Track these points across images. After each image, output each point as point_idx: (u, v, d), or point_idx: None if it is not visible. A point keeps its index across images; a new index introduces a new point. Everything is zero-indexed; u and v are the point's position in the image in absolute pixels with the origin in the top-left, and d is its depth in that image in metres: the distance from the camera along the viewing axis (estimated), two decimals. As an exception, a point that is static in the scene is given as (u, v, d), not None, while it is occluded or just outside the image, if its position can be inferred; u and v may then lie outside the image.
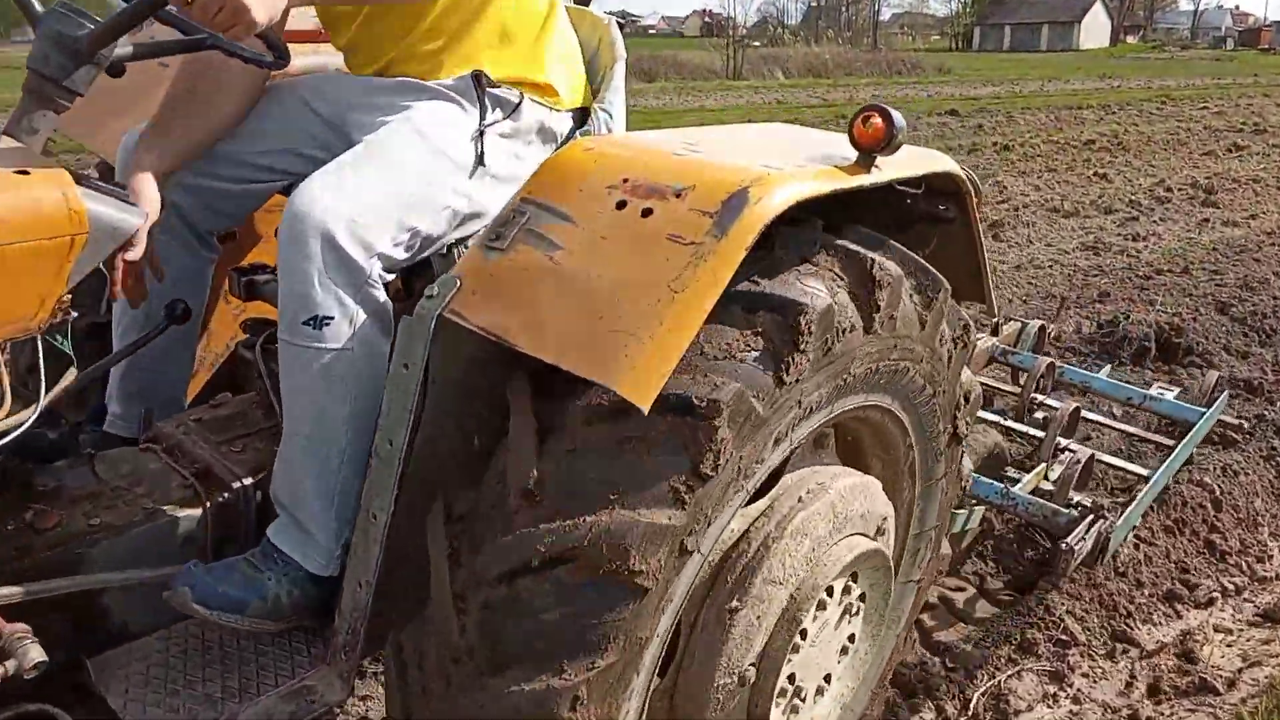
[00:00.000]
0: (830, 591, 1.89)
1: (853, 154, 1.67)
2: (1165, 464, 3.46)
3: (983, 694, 2.75)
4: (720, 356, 1.47)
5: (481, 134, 1.83)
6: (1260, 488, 3.90)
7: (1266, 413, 4.51)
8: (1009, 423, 3.73)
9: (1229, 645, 3.07)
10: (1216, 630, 3.13)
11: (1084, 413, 3.78)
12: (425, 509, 1.64)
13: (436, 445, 1.64)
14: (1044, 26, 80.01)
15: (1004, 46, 78.63)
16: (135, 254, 1.58)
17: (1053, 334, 4.43)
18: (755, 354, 1.50)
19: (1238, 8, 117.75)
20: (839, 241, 1.72)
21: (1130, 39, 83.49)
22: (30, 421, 1.43)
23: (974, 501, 3.06)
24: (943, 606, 3.19)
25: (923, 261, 1.87)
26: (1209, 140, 14.20)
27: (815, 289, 1.59)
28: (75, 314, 1.50)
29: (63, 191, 1.36)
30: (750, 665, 1.76)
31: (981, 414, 3.56)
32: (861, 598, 2.01)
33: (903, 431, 2.04)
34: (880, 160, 1.68)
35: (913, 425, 2.04)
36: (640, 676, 1.57)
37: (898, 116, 1.61)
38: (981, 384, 3.46)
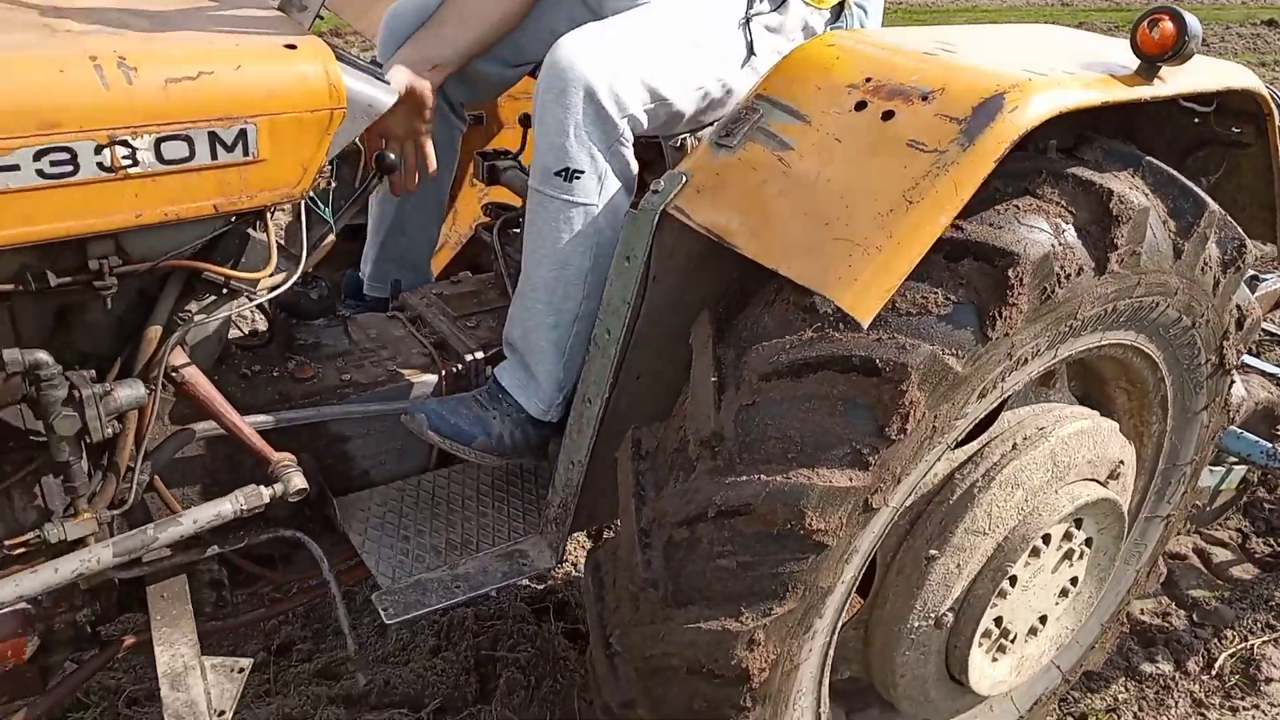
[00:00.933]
0: (1047, 539, 1.78)
1: (1133, 62, 1.48)
2: None
3: (1231, 655, 2.57)
4: (914, 312, 1.37)
5: (748, 21, 1.77)
6: None
7: None
8: (1262, 364, 3.31)
9: None
10: None
11: None
12: (644, 400, 1.67)
13: (649, 339, 1.65)
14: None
15: None
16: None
17: None
18: (954, 309, 1.38)
19: None
20: (1071, 169, 1.53)
21: None
22: (293, 280, 1.56)
23: (1234, 461, 2.77)
24: (1196, 559, 2.95)
25: (1183, 181, 1.65)
26: None
27: (1034, 231, 1.43)
28: (335, 183, 1.61)
29: (325, 67, 1.43)
30: (948, 611, 1.70)
31: (1258, 363, 3.17)
32: (1088, 542, 1.88)
33: (1152, 366, 1.85)
34: (1165, 71, 1.47)
35: (1165, 359, 1.84)
36: (824, 619, 1.55)
37: (1191, 20, 1.40)
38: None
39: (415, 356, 1.98)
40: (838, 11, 1.95)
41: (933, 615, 1.70)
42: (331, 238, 1.73)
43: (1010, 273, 1.36)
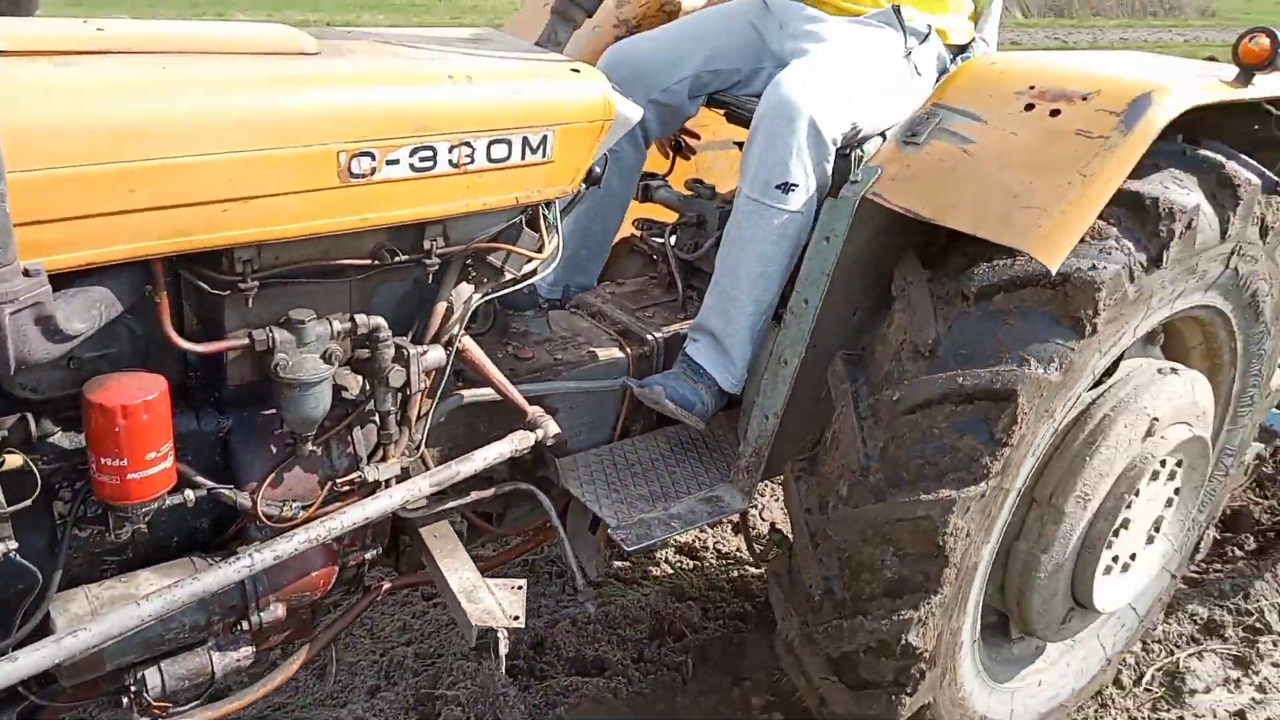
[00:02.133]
0: (1156, 473, 2.11)
1: (1230, 73, 1.86)
2: None
3: (1158, 669, 2.71)
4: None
5: (909, 54, 2.13)
6: None
7: None
8: None
9: None
10: None
11: None
12: (824, 359, 1.99)
13: (837, 307, 1.98)
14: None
15: None
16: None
17: None
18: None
19: None
20: (1201, 152, 1.92)
21: None
22: (556, 264, 1.87)
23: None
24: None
25: (1273, 175, 2.03)
26: None
27: (1184, 192, 1.82)
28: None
29: (603, 86, 1.77)
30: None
31: None
32: (1180, 471, 2.21)
33: (1226, 323, 2.21)
34: (1258, 78, 1.86)
35: (1236, 314, 2.19)
36: (1005, 506, 1.87)
37: (1280, 35, 1.79)
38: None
39: (606, 341, 2.29)
40: (964, 48, 2.33)
41: (1067, 540, 2.02)
42: (559, 236, 2.05)
43: (1174, 217, 1.76)
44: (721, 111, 2.42)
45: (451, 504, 1.95)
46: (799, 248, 2.03)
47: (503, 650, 1.70)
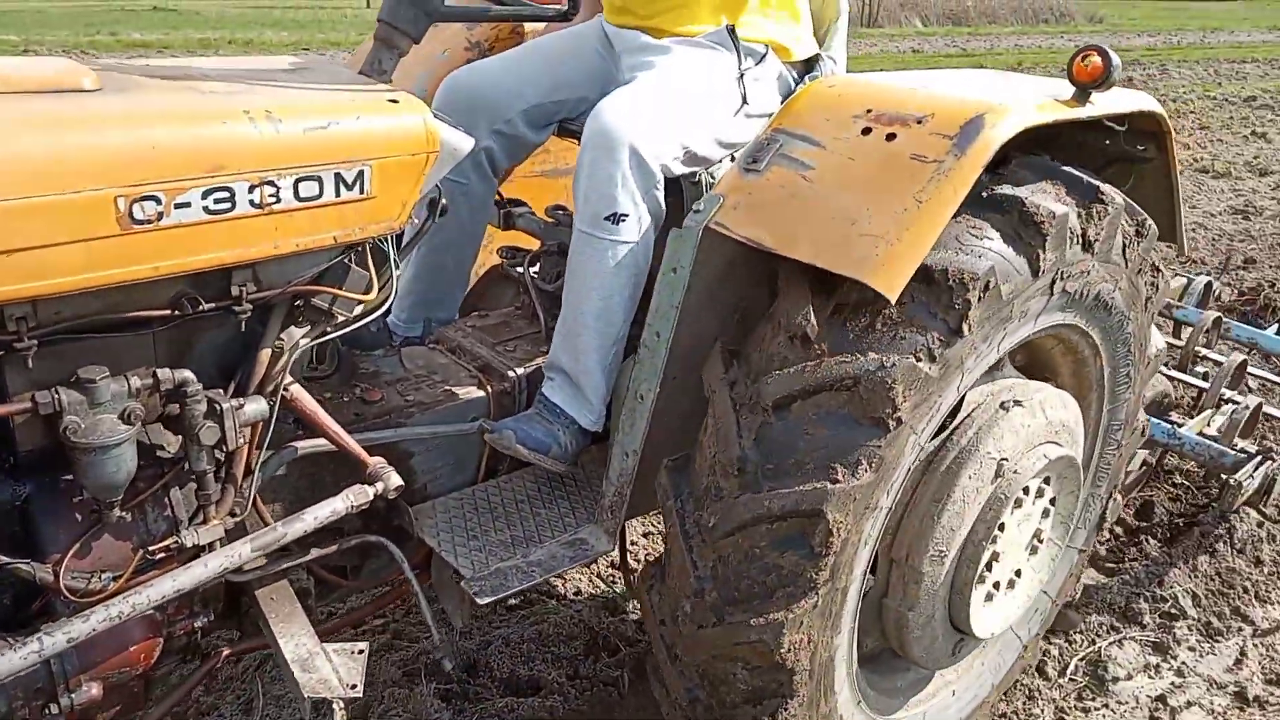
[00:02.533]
0: (1026, 491, 2.08)
1: (1068, 91, 1.85)
2: None
3: (1081, 659, 2.76)
4: (973, 242, 1.70)
5: (741, 76, 2.08)
6: None
7: None
8: (1171, 372, 3.78)
9: None
10: None
11: (1249, 367, 3.78)
12: (686, 389, 1.92)
13: (695, 337, 1.91)
14: (1212, -28, 74.24)
15: None
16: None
17: (1217, 292, 4.37)
18: (1004, 244, 1.73)
19: None
20: (1065, 168, 1.90)
21: None
22: (389, 304, 1.76)
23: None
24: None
25: (1132, 202, 2.03)
26: None
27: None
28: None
29: (423, 117, 1.67)
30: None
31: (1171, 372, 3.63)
32: (1052, 498, 2.19)
33: (1086, 337, 2.18)
34: (1095, 97, 1.85)
35: (1097, 331, 2.17)
36: (848, 608, 1.83)
37: (1114, 56, 1.78)
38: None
39: (464, 379, 2.19)
40: (811, 65, 2.29)
41: (932, 594, 1.97)
42: (397, 272, 1.95)
43: (1042, 222, 1.75)
44: (574, 141, 2.35)
45: (292, 562, 1.83)
46: (640, 276, 1.97)
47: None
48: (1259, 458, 3.06)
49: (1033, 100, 1.77)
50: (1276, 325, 4.48)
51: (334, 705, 1.58)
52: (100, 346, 1.48)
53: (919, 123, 1.69)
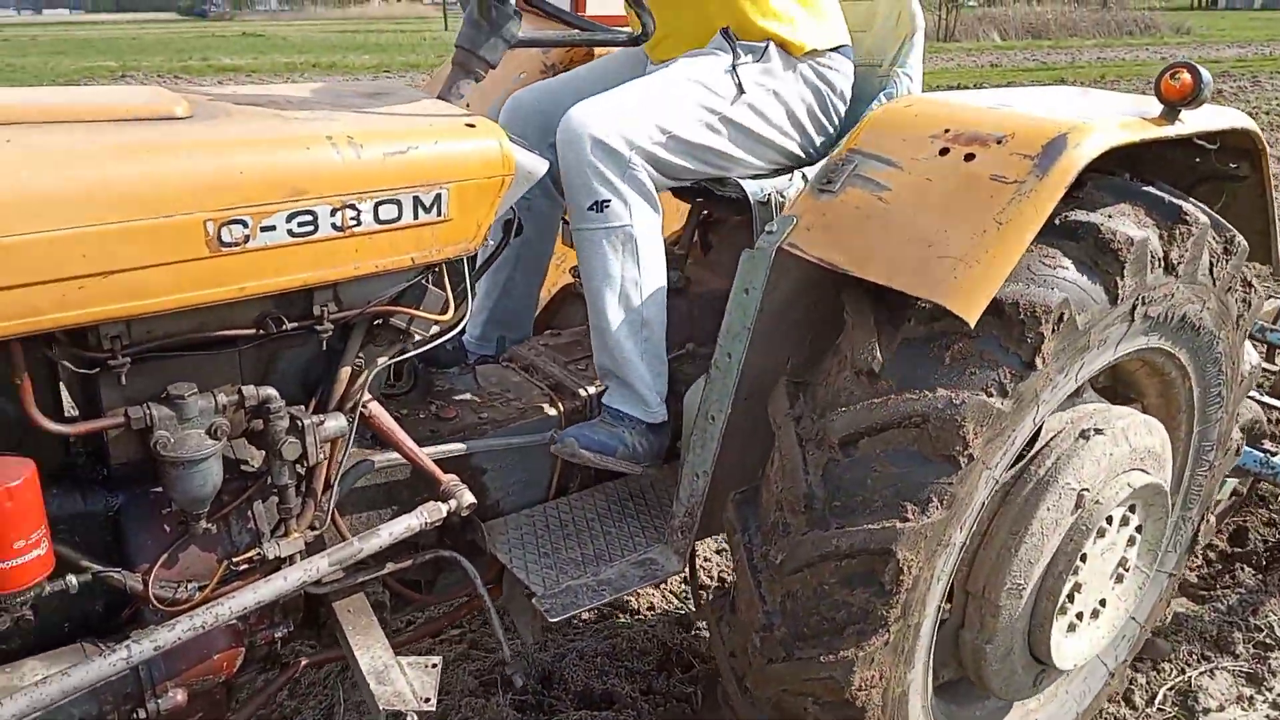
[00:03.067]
0: (1110, 520, 2.00)
1: (1155, 109, 1.78)
2: None
3: (1170, 688, 2.66)
4: (1046, 272, 1.64)
5: (734, 68, 2.06)
6: None
7: None
8: (1265, 398, 3.60)
9: None
10: None
11: None
12: (753, 412, 1.89)
13: (768, 357, 1.88)
14: (1306, -20, 71.69)
15: (1255, 4, 70.48)
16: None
17: None
18: (1079, 273, 1.66)
19: None
20: (1146, 188, 1.83)
21: None
22: (464, 324, 1.78)
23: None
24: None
25: (1221, 219, 1.95)
26: None
27: (1131, 226, 1.73)
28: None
29: (499, 141, 1.69)
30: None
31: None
32: (1138, 526, 2.10)
33: (1173, 359, 2.09)
34: (1184, 114, 1.77)
35: (1184, 351, 2.08)
36: (922, 633, 1.77)
37: (1205, 73, 1.71)
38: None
39: (537, 397, 2.20)
40: (885, 81, 2.25)
41: (1010, 628, 1.90)
42: (468, 294, 1.97)
43: (1121, 248, 1.68)
44: None
45: (368, 575, 1.85)
46: (647, 258, 1.99)
47: None
48: None
49: (1117, 119, 1.71)
50: None
51: (408, 718, 1.59)
52: (189, 364, 1.53)
53: (999, 143, 1.64)
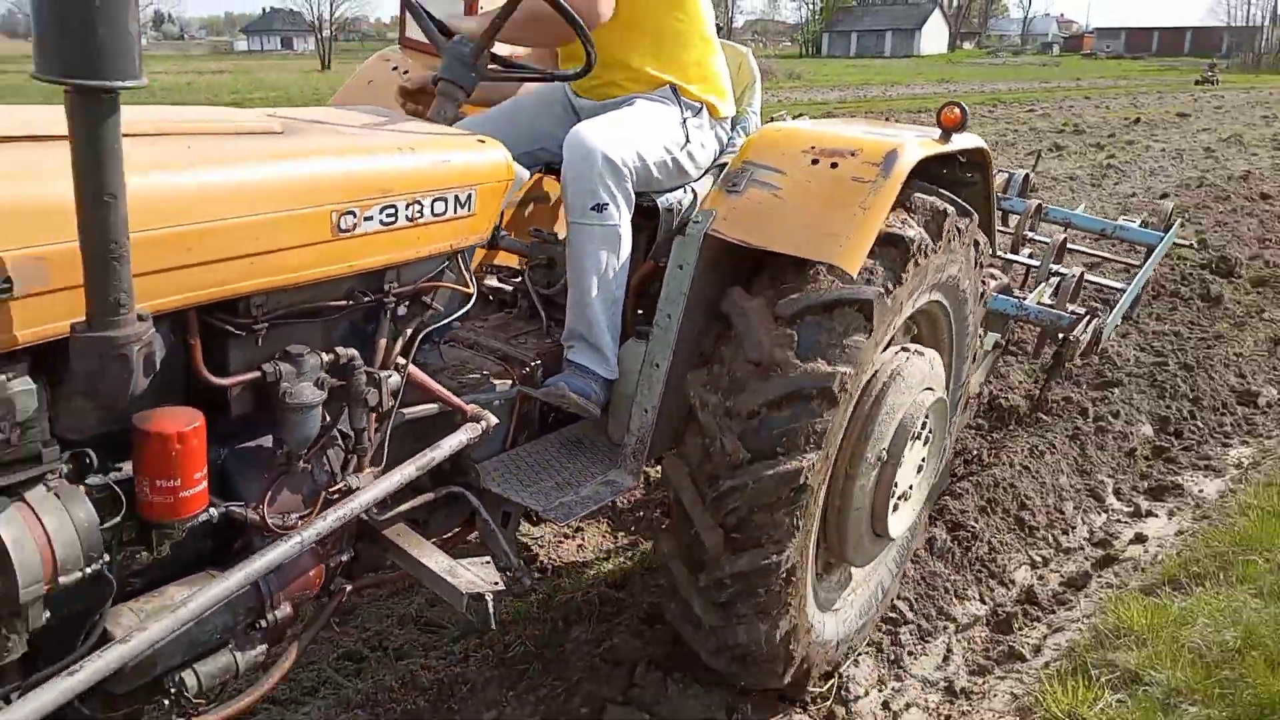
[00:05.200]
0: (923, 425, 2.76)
1: (936, 133, 2.56)
2: (1137, 278, 4.34)
3: (826, 687, 2.81)
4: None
5: (684, 122, 2.65)
6: (1064, 465, 4.16)
7: (1073, 395, 4.83)
8: (1007, 255, 4.43)
9: (1036, 617, 3.24)
10: (1026, 601, 3.30)
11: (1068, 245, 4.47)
12: (681, 364, 2.44)
13: (688, 316, 2.44)
14: (888, 33, 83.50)
15: (850, 53, 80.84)
16: None
17: (1033, 184, 5.08)
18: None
19: (1062, 15, 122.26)
20: (918, 192, 2.60)
21: (966, 45, 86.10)
22: (473, 303, 2.18)
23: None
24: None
25: (960, 200, 2.77)
26: (1034, 141, 15.24)
27: (913, 224, 2.48)
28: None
29: (504, 153, 2.13)
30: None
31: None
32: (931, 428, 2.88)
33: (943, 309, 2.92)
34: (955, 138, 2.57)
35: (954, 313, 2.92)
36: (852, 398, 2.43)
37: (965, 108, 2.50)
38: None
39: (492, 365, 2.61)
40: (734, 122, 2.90)
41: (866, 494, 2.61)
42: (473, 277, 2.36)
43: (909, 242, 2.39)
44: (555, 178, 2.82)
45: (399, 509, 2.18)
46: (625, 250, 2.46)
47: (492, 610, 1.97)
48: (1087, 316, 3.89)
49: (919, 139, 2.46)
50: (1083, 205, 5.44)
51: (486, 597, 1.97)
52: (299, 329, 1.82)
53: (852, 155, 2.32)
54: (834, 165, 2.33)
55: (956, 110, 2.49)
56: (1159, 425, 4.69)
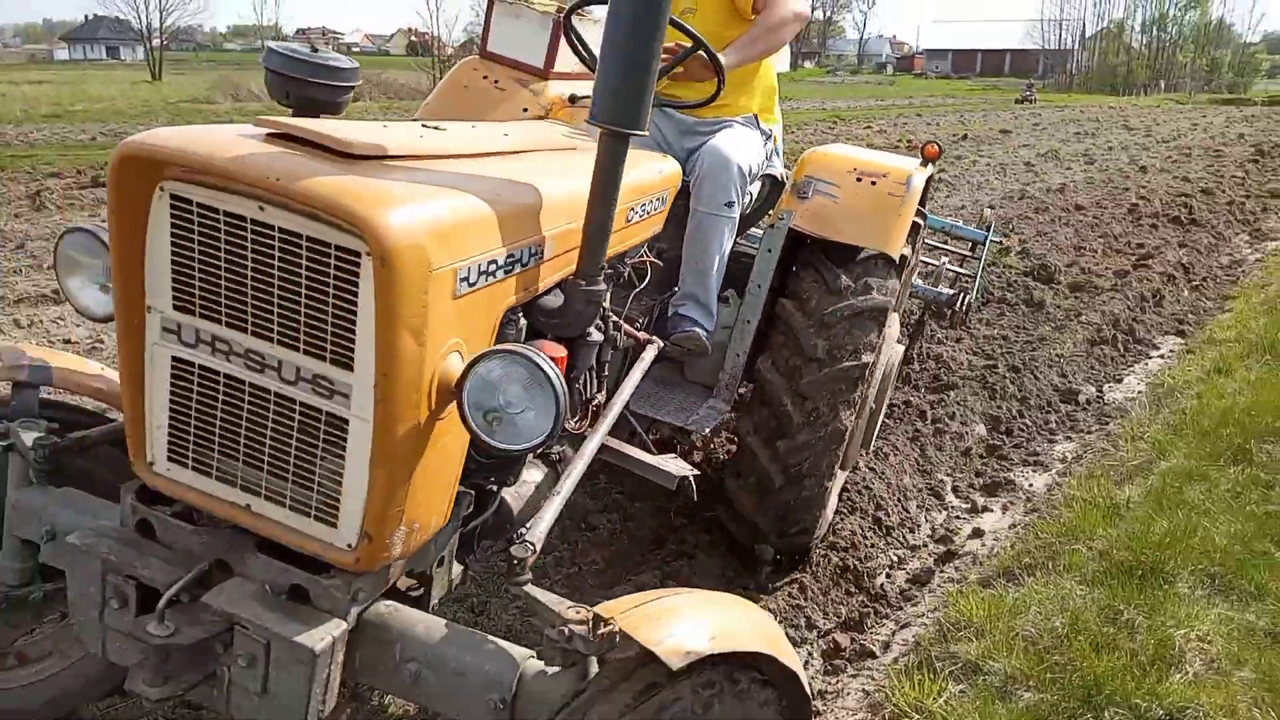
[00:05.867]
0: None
1: (918, 162, 3.65)
2: (980, 266, 5.61)
3: None
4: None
5: (764, 145, 3.55)
6: (907, 465, 4.38)
7: (911, 399, 5.21)
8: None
9: (885, 615, 3.36)
10: (878, 600, 3.43)
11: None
12: (769, 317, 3.36)
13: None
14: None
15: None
16: None
17: None
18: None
19: (895, 37, 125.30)
20: None
21: (807, 64, 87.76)
22: (649, 278, 2.99)
23: None
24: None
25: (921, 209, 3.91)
26: (874, 157, 16.41)
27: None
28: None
29: (675, 164, 2.94)
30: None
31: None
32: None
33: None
34: (930, 167, 3.67)
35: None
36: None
37: (941, 146, 3.61)
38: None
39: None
40: (771, 150, 3.84)
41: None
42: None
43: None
44: None
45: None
46: (731, 237, 3.27)
47: (693, 486, 2.78)
48: (959, 291, 5.12)
49: (919, 167, 3.52)
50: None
51: (690, 479, 2.80)
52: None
53: (884, 176, 3.34)
54: (874, 183, 3.34)
55: (935, 146, 3.59)
56: (991, 425, 5.04)
